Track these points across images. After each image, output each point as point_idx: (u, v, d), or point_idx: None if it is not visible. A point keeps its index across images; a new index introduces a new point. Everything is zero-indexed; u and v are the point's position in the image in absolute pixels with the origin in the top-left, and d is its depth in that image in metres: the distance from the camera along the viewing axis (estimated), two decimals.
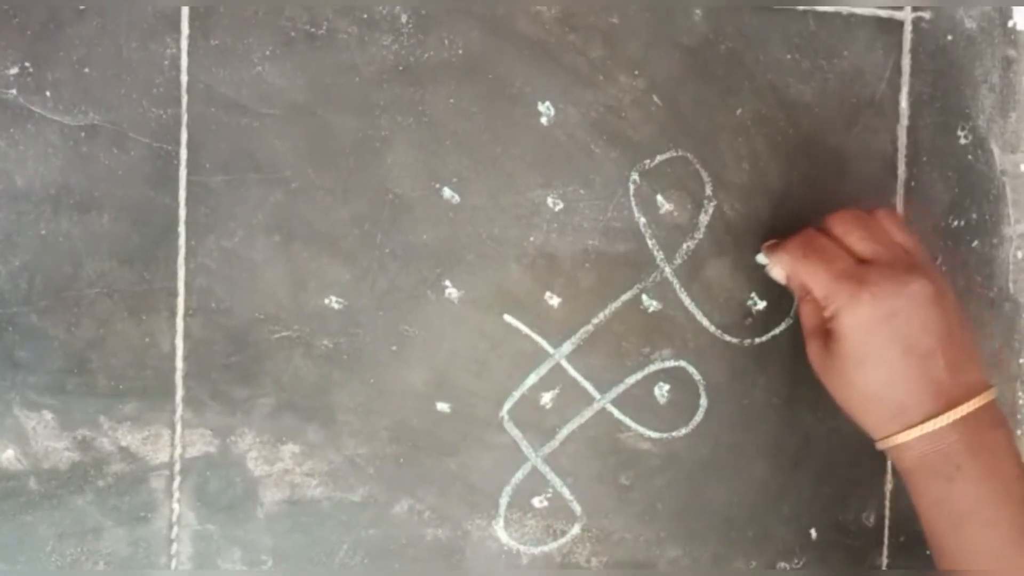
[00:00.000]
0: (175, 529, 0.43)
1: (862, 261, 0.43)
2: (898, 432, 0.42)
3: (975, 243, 0.50)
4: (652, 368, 0.47)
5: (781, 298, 0.48)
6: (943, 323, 0.42)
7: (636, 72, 0.46)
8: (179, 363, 0.43)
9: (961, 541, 0.42)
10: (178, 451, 0.43)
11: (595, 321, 0.46)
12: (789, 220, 0.48)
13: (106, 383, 0.42)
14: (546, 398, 0.46)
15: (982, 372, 0.43)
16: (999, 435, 0.42)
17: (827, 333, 0.43)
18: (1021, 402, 0.50)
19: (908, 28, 0.49)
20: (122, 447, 0.43)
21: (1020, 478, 0.42)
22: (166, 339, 0.43)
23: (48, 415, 0.42)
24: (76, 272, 0.42)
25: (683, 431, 0.47)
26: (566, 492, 0.46)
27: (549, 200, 0.46)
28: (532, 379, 0.46)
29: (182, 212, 0.43)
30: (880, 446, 0.43)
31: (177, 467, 0.43)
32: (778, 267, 0.46)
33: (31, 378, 0.42)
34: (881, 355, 0.41)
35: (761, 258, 0.47)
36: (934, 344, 0.41)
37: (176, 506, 0.43)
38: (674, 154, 0.47)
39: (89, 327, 0.42)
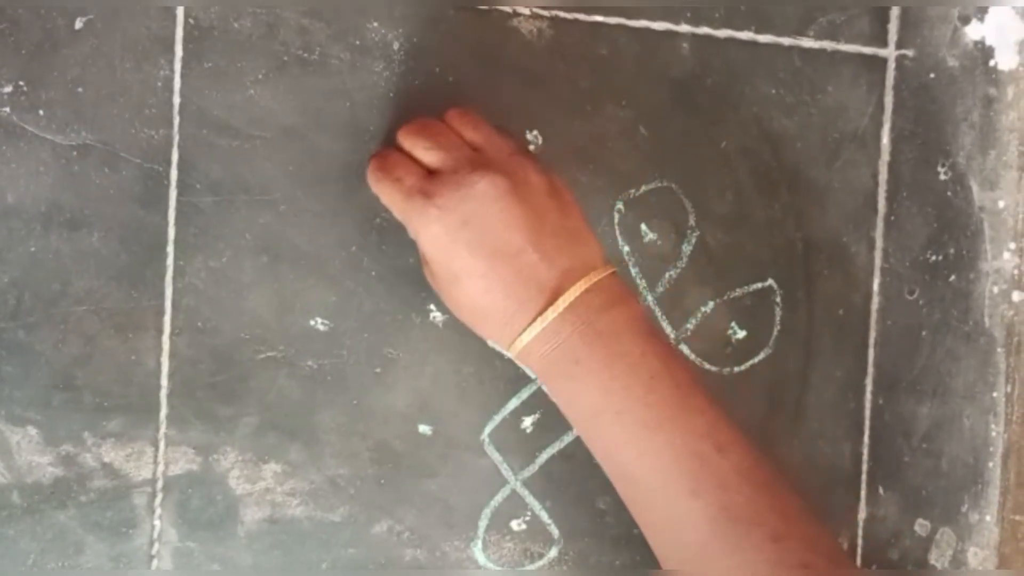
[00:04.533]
0: (156, 546, 0.44)
1: (433, 173, 0.40)
2: (514, 340, 0.40)
3: (952, 277, 0.51)
4: None
5: (761, 328, 0.49)
6: (526, 215, 0.39)
7: (623, 103, 0.47)
8: (164, 381, 0.43)
9: (599, 437, 0.40)
10: (161, 468, 0.44)
11: None
12: (772, 250, 0.49)
13: (91, 399, 0.43)
14: (527, 422, 0.47)
15: (590, 255, 0.40)
16: (617, 315, 0.39)
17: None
18: (993, 435, 0.51)
19: (891, 65, 0.50)
20: (105, 463, 0.43)
21: (647, 355, 0.39)
22: (152, 357, 0.43)
23: (33, 430, 0.42)
24: (64, 289, 0.42)
25: None
26: (544, 515, 0.47)
27: None
28: (513, 403, 0.47)
29: (171, 232, 0.43)
30: (512, 356, 0.41)
31: (159, 484, 0.44)
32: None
33: (16, 393, 0.42)
34: (469, 267, 0.39)
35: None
36: (521, 239, 0.39)
37: (157, 523, 0.44)
38: (659, 184, 0.48)
39: (76, 344, 0.43)
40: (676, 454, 0.39)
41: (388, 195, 0.41)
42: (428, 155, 0.41)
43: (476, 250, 0.39)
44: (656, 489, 0.39)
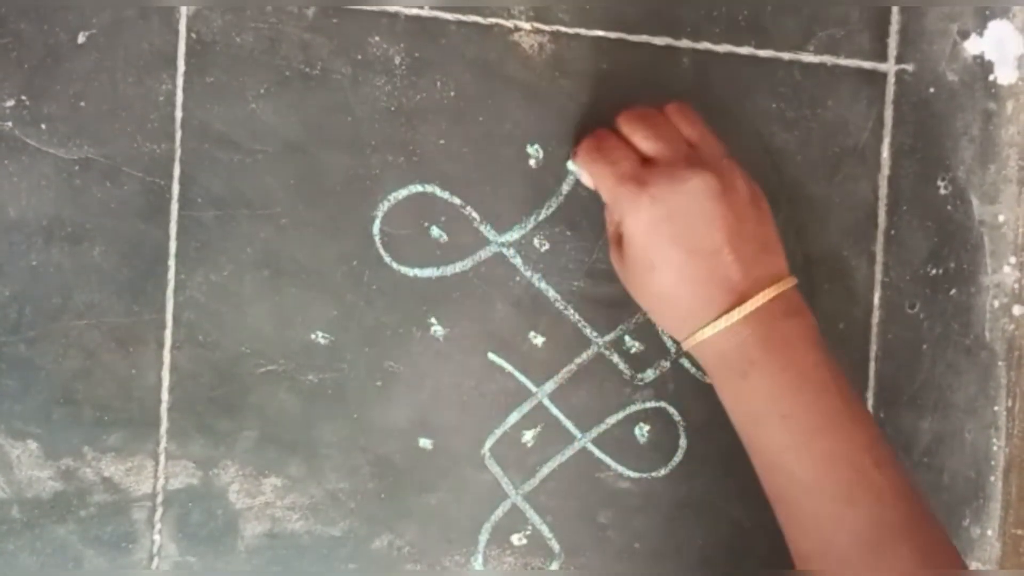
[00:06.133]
0: (156, 560, 0.44)
1: (647, 161, 0.42)
2: (694, 332, 0.41)
3: (953, 291, 0.51)
4: (633, 408, 0.48)
5: None
6: (728, 218, 0.40)
7: None
8: (164, 395, 0.43)
9: (762, 436, 0.41)
10: (161, 482, 0.43)
11: (578, 361, 0.47)
12: None
13: (91, 414, 0.43)
14: (528, 436, 0.47)
15: (777, 265, 0.42)
16: (794, 325, 0.41)
17: (620, 238, 0.42)
18: (995, 448, 0.51)
19: (891, 80, 0.50)
20: (105, 477, 0.43)
21: (818, 366, 0.41)
22: (152, 371, 0.43)
23: (33, 444, 0.42)
24: (65, 303, 0.43)
25: (662, 471, 0.48)
26: (545, 530, 0.47)
27: (536, 241, 0.46)
28: (514, 417, 0.47)
29: (172, 246, 0.43)
30: (685, 348, 0.43)
31: (159, 498, 0.43)
32: (584, 173, 0.45)
33: (17, 407, 0.42)
34: (667, 257, 0.41)
35: (571, 165, 0.46)
36: (720, 240, 0.40)
37: (157, 537, 0.44)
38: None
39: (76, 358, 0.43)
40: (835, 462, 0.40)
41: (601, 177, 0.42)
42: (646, 144, 0.42)
43: (677, 243, 0.40)
44: (812, 492, 0.40)
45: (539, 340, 0.47)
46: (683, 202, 0.40)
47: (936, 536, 0.41)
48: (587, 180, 0.45)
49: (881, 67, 0.50)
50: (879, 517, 0.40)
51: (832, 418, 0.41)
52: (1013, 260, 0.51)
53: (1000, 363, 0.51)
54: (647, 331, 0.48)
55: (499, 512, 0.46)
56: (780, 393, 0.41)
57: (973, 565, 0.51)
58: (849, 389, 0.42)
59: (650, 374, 0.48)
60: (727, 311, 0.40)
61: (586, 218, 0.47)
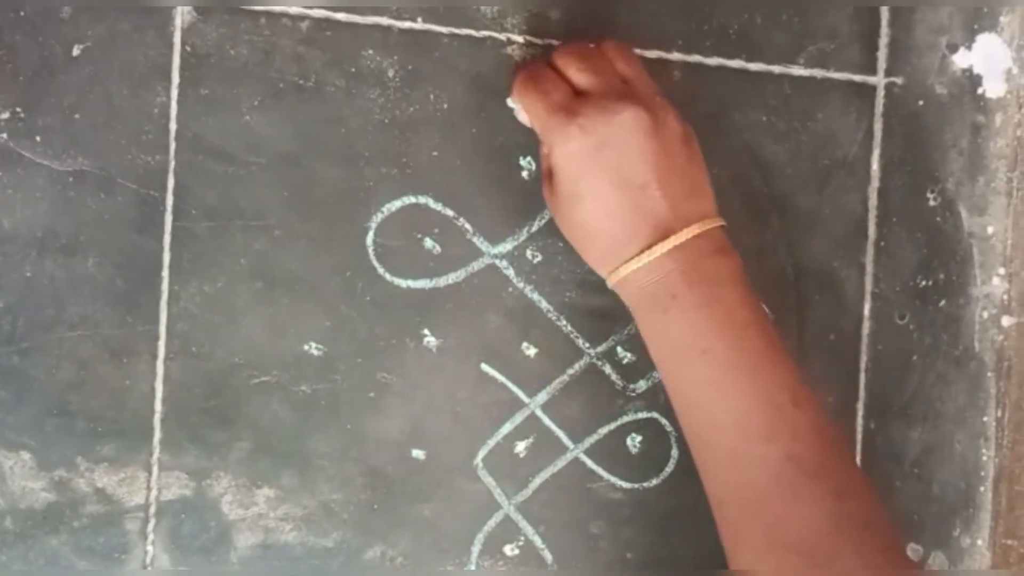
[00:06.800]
0: (148, 571, 0.44)
1: (580, 94, 0.42)
2: (618, 267, 0.41)
3: (942, 303, 0.51)
4: (625, 419, 0.48)
5: None
6: (658, 153, 0.40)
7: None
8: (158, 406, 0.44)
9: (682, 372, 0.41)
10: (154, 493, 0.44)
11: (570, 372, 0.47)
12: (763, 275, 0.49)
13: (85, 425, 0.43)
14: (520, 447, 0.47)
15: (706, 205, 0.42)
16: (720, 263, 0.41)
17: (551, 172, 0.42)
18: (984, 459, 0.52)
19: (881, 93, 0.50)
20: (98, 488, 0.43)
21: (742, 304, 0.41)
22: (146, 382, 0.43)
23: (26, 455, 0.42)
24: (59, 314, 0.43)
25: (654, 481, 0.48)
26: (538, 540, 0.47)
27: (528, 252, 0.47)
28: (507, 428, 0.47)
29: (166, 257, 0.44)
30: (609, 284, 0.43)
31: (152, 509, 0.44)
32: (520, 108, 0.45)
33: (10, 418, 0.42)
34: (594, 189, 0.41)
35: (510, 101, 0.46)
36: (648, 175, 0.40)
37: (150, 548, 0.44)
38: None
39: (70, 369, 0.43)
40: (755, 399, 0.40)
41: (532, 106, 0.42)
42: (579, 76, 0.42)
43: (605, 175, 0.40)
44: (729, 430, 0.40)
45: (532, 351, 0.47)
46: (613, 134, 0.40)
47: (851, 475, 0.41)
48: (523, 117, 0.45)
49: (871, 80, 0.50)
50: (796, 453, 0.39)
51: (753, 355, 0.41)
52: (1002, 271, 0.51)
53: (989, 374, 0.52)
54: (639, 342, 0.48)
55: (492, 523, 0.47)
56: (701, 327, 0.40)
57: None
58: (772, 329, 0.42)
59: (642, 385, 0.48)
60: (651, 246, 0.40)
61: None
